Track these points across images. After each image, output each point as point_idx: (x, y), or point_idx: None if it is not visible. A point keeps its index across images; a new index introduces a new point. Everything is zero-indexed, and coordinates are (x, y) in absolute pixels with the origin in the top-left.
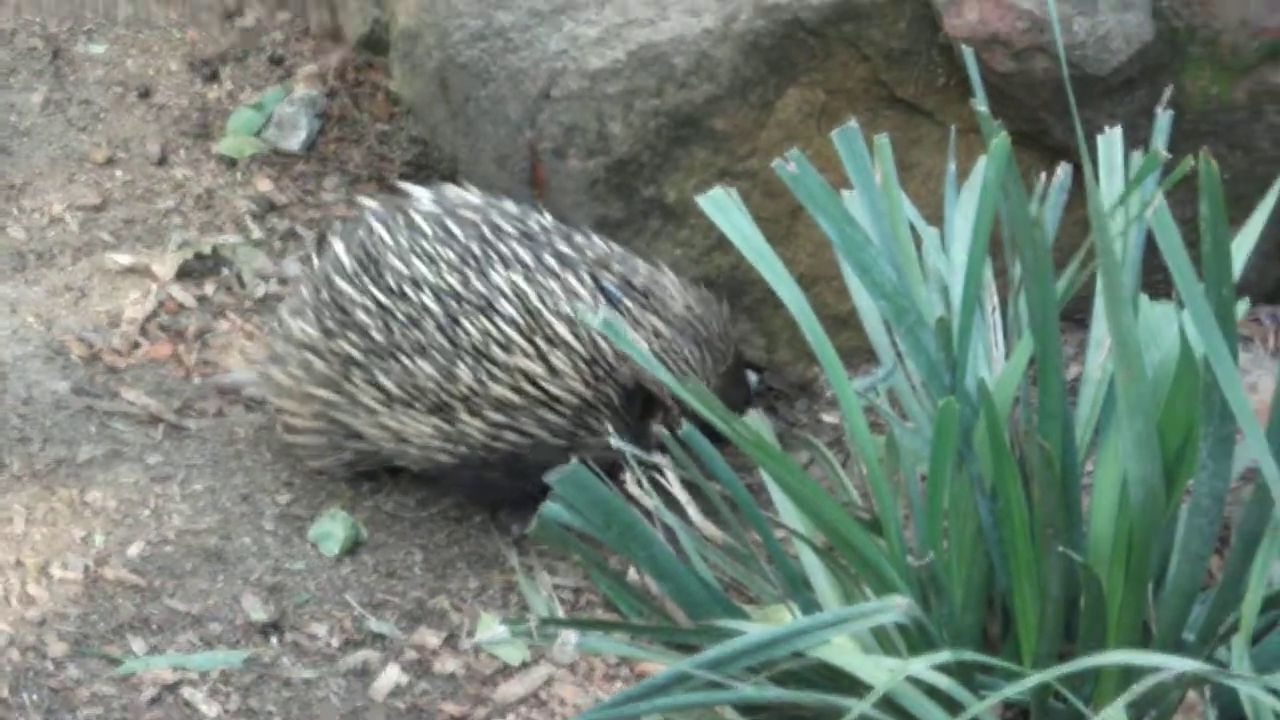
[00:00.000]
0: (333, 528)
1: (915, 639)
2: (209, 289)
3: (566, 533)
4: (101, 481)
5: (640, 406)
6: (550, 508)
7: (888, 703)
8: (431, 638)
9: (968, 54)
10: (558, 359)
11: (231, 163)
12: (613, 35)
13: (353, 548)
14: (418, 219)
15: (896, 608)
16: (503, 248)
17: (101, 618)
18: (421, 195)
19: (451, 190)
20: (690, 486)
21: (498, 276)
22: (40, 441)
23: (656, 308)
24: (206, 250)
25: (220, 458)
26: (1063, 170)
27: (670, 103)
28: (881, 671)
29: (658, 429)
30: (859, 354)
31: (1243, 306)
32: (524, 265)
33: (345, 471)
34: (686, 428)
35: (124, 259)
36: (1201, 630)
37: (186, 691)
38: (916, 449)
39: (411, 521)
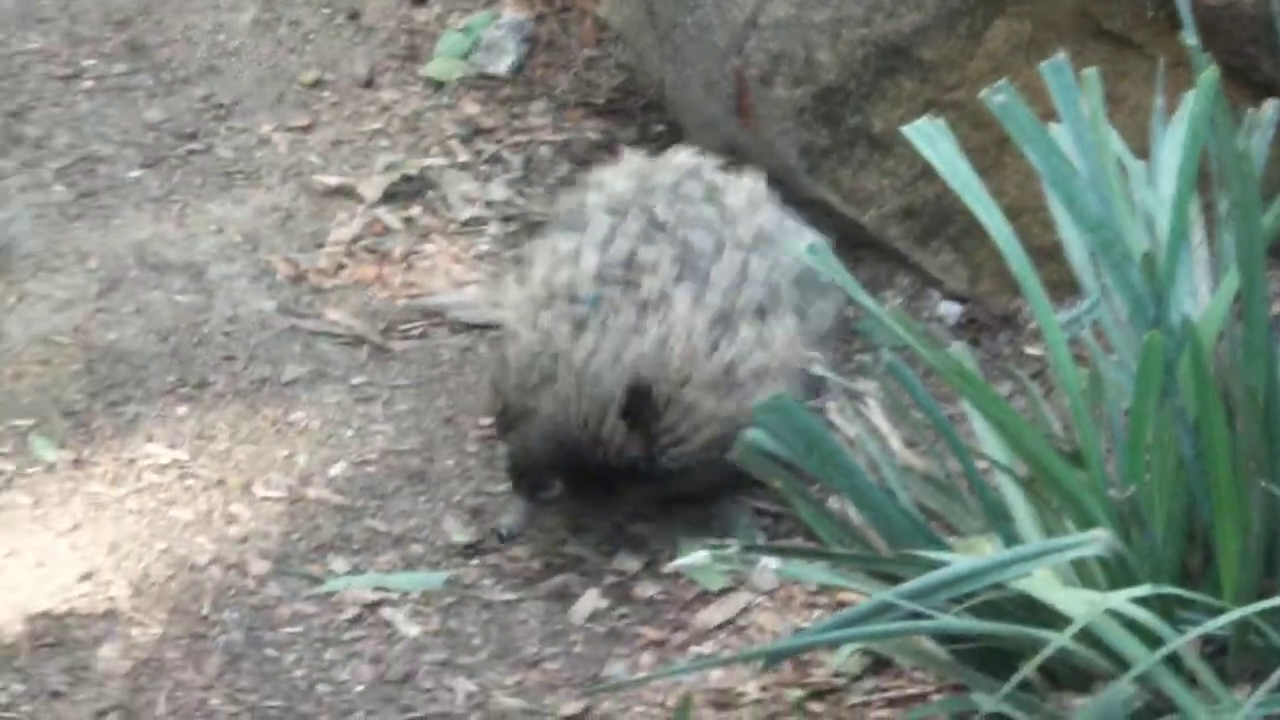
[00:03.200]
0: None
1: (1115, 572)
2: (415, 211)
3: (768, 459)
4: (305, 401)
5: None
6: (753, 434)
7: (1087, 636)
8: (631, 562)
9: None
10: None
11: (438, 86)
12: None
13: None
14: None
15: (1097, 541)
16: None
17: (303, 537)
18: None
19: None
20: (892, 416)
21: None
22: (245, 360)
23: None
24: (413, 173)
25: (424, 379)
26: (1271, 105)
27: (878, 32)
28: (1081, 605)
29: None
30: (1063, 287)
31: None
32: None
33: None
34: (889, 357)
35: (331, 180)
36: None
37: (387, 611)
38: (1120, 383)
39: None
